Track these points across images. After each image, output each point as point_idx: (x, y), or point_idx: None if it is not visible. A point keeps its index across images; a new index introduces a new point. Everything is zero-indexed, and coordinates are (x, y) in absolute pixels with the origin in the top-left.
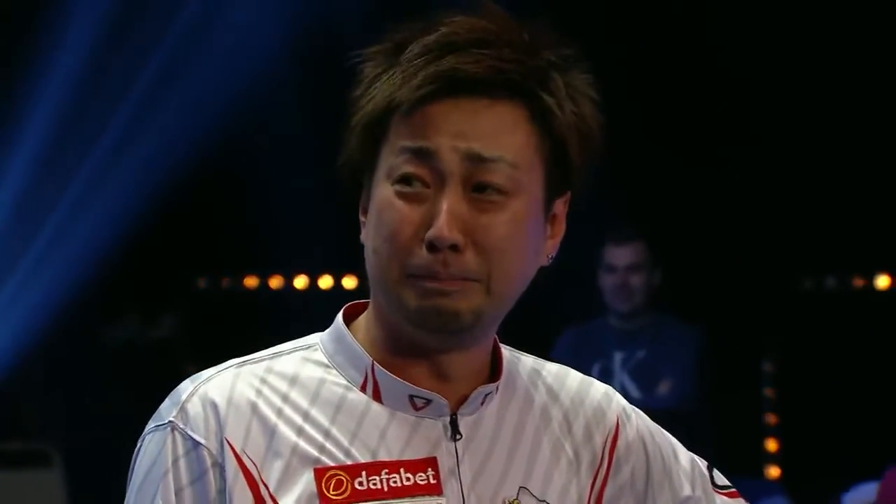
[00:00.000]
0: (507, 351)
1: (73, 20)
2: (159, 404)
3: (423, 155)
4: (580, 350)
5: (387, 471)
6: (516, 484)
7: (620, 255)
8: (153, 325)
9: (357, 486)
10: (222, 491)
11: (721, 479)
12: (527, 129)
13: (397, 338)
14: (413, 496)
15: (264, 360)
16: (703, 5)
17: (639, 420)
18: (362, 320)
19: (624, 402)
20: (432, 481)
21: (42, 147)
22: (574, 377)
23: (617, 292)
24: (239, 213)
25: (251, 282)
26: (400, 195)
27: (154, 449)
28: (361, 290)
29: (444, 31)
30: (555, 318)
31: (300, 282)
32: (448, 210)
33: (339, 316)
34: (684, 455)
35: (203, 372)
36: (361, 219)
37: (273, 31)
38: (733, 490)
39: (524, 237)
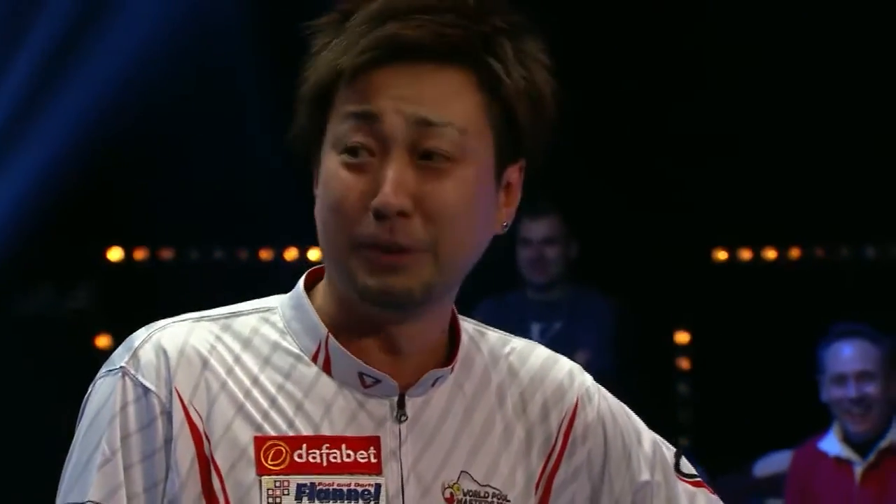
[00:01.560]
0: (470, 325)
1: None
2: (71, 377)
3: (366, 119)
4: (498, 322)
5: (328, 445)
6: (458, 468)
7: (535, 229)
8: (67, 297)
9: (296, 458)
10: (169, 440)
11: (687, 468)
12: (474, 95)
13: (349, 310)
14: (352, 473)
15: (222, 317)
16: None
17: (602, 401)
18: (321, 287)
19: (589, 382)
20: (373, 460)
21: None
22: (539, 354)
23: (533, 265)
24: (155, 182)
25: (167, 253)
26: (345, 165)
27: (104, 393)
28: (278, 263)
29: (387, 1)
30: (472, 289)
31: (218, 254)
32: (394, 177)
33: (301, 281)
34: (648, 439)
35: (160, 321)
36: (316, 192)
37: (181, 7)
38: (698, 479)
39: (474, 204)
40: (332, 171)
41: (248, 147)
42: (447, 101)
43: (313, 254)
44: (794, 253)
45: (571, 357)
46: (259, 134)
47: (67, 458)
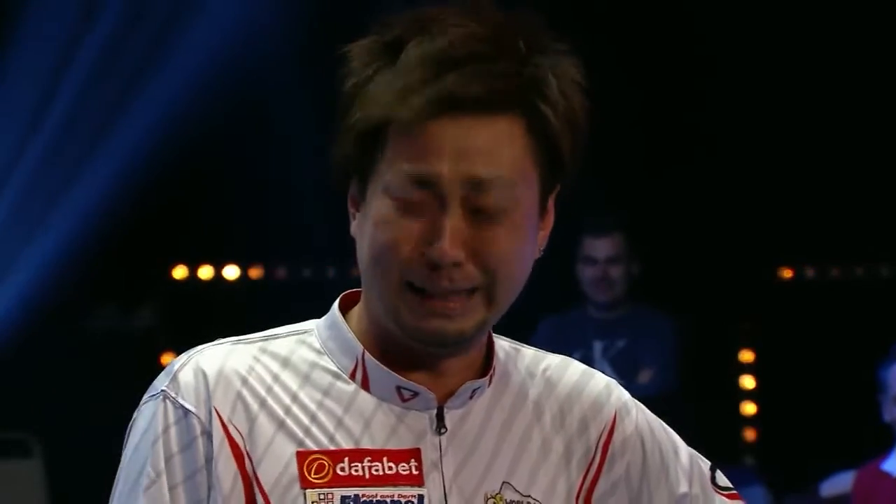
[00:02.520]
0: (506, 343)
1: (49, 3)
2: (138, 394)
3: (423, 181)
4: (559, 340)
5: (370, 458)
6: (500, 478)
7: (600, 248)
8: (133, 315)
9: (339, 471)
10: (210, 459)
11: (723, 481)
12: (524, 140)
13: (388, 336)
14: (395, 485)
15: (259, 340)
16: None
17: (639, 414)
18: (357, 310)
19: (626, 396)
20: (414, 472)
21: (19, 136)
22: (575, 369)
23: (597, 284)
24: (219, 202)
25: (231, 272)
26: (399, 210)
27: (146, 417)
28: (343, 281)
29: (442, 43)
30: (531, 308)
31: (281, 272)
32: (450, 229)
33: (336, 303)
34: (685, 453)
35: (199, 346)
36: (352, 210)
37: (255, 24)
38: (734, 492)
39: (523, 244)
40: (385, 215)
41: (311, 165)
42: (498, 152)
43: None
44: (859, 271)
45: (635, 375)
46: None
47: (115, 483)
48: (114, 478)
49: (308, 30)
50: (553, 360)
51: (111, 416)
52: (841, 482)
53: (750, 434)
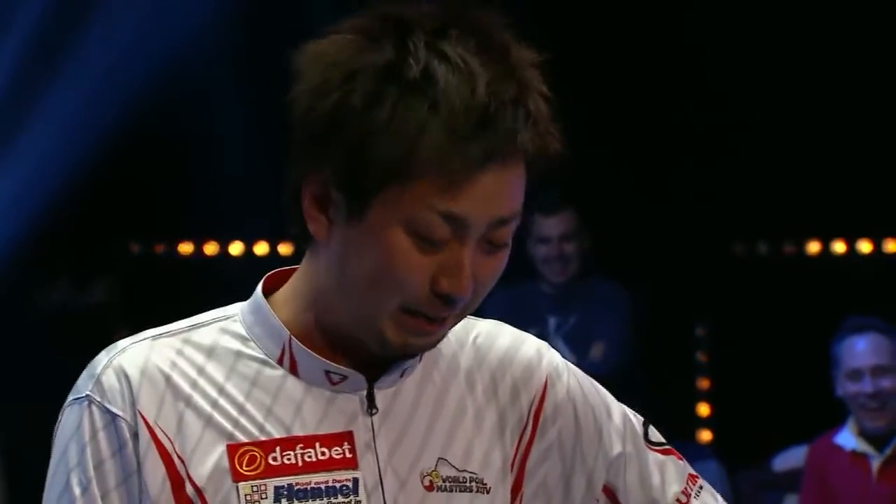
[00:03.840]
0: None
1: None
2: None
3: (454, 220)
4: (512, 314)
5: (301, 445)
6: (435, 455)
7: (552, 226)
8: (86, 290)
9: (271, 461)
10: (141, 463)
11: (656, 436)
12: (525, 172)
13: (318, 322)
14: (328, 470)
15: (182, 331)
16: None
17: (571, 378)
18: (285, 292)
19: (557, 359)
20: (348, 455)
21: None
22: (506, 335)
23: (552, 263)
24: (174, 177)
25: (186, 248)
26: (418, 248)
27: (73, 422)
28: (298, 257)
29: (481, 92)
30: None
31: (235, 248)
32: (469, 267)
33: (259, 287)
34: (618, 412)
35: (119, 342)
36: (312, 211)
37: None
38: (668, 447)
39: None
40: (401, 248)
41: (267, 141)
42: (518, 192)
43: None
44: (813, 247)
45: (589, 350)
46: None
47: (46, 490)
48: None
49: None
50: (483, 327)
51: (64, 391)
52: (793, 456)
53: (704, 409)
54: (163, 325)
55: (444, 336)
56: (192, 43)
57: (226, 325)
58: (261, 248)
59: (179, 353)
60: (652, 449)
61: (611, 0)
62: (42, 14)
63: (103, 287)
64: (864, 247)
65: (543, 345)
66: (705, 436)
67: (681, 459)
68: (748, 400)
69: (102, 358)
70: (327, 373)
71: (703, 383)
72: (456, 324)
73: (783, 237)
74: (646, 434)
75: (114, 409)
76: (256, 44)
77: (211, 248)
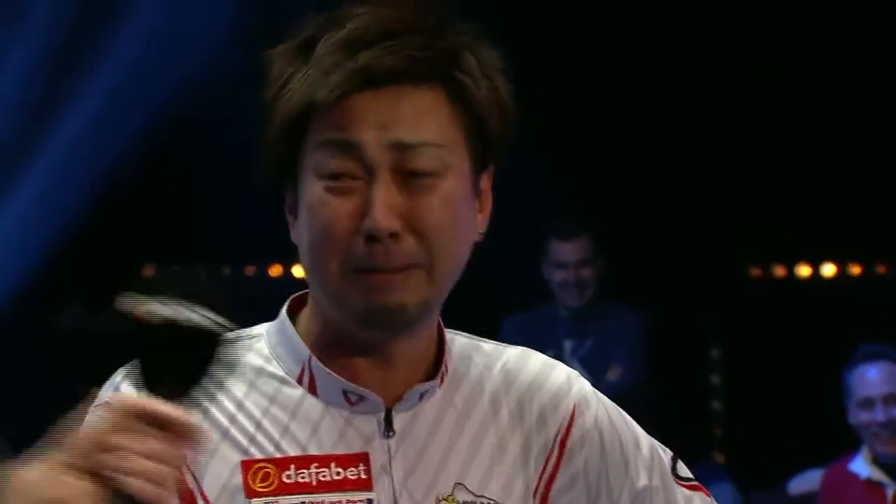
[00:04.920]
0: (464, 338)
1: (19, 14)
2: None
3: (348, 147)
4: (527, 339)
5: (316, 465)
6: (452, 479)
7: (569, 251)
8: (101, 314)
9: (285, 479)
10: None
11: (684, 471)
12: (447, 110)
13: (336, 333)
14: (343, 490)
15: None
16: None
17: (600, 407)
18: (305, 312)
19: (587, 388)
20: (363, 476)
21: None
22: (535, 361)
23: (569, 288)
24: (189, 200)
25: (200, 270)
26: (330, 190)
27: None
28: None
29: (352, 28)
30: (496, 306)
31: (250, 271)
32: (382, 199)
33: (284, 307)
34: (646, 444)
35: None
36: (290, 218)
37: (225, 19)
38: (696, 483)
39: (459, 215)
40: (317, 197)
41: None
42: (422, 120)
43: None
44: (829, 270)
45: (605, 373)
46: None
47: None
48: None
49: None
50: (513, 353)
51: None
52: (808, 480)
53: (717, 431)
54: None
55: (415, 300)
56: (207, 64)
57: (251, 343)
58: (275, 270)
59: None
60: (680, 484)
61: (628, 22)
62: (57, 35)
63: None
64: (880, 270)
65: (573, 373)
66: (719, 458)
67: (708, 496)
68: (762, 422)
69: (126, 367)
70: (345, 393)
71: (718, 406)
72: (428, 290)
73: (798, 260)
74: (674, 468)
75: None
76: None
77: (225, 271)
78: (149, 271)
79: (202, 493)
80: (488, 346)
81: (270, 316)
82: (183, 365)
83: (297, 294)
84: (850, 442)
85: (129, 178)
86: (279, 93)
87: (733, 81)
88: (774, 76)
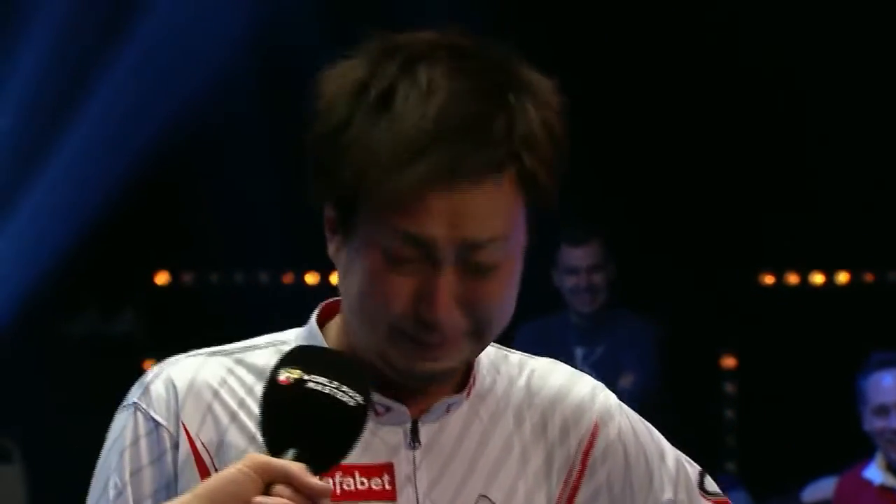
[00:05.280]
0: (492, 349)
1: (32, 19)
2: (118, 399)
3: (417, 242)
4: (540, 345)
5: (341, 473)
6: (476, 492)
7: (580, 257)
8: (113, 320)
9: None
10: (179, 473)
11: (712, 486)
12: (515, 195)
13: (365, 353)
14: (366, 500)
15: (237, 352)
16: None
17: (623, 420)
18: (336, 322)
19: (612, 400)
20: (387, 487)
21: (1, 143)
22: (561, 373)
23: (580, 293)
24: (201, 208)
25: (213, 277)
26: (391, 269)
27: (117, 428)
28: (324, 287)
29: (436, 109)
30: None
31: (263, 277)
32: (444, 291)
33: (314, 315)
34: (671, 458)
35: (174, 356)
36: (329, 233)
37: (234, 27)
38: (723, 499)
39: (514, 288)
40: (375, 268)
41: (293, 171)
42: (493, 214)
43: None
44: (842, 277)
45: (616, 380)
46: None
47: (90, 490)
48: (88, 486)
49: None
50: (538, 365)
51: (91, 421)
52: (823, 488)
53: (731, 440)
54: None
55: (460, 361)
56: (216, 75)
57: (279, 350)
58: (287, 278)
59: (231, 371)
60: (706, 499)
61: (627, 27)
62: (69, 38)
63: (130, 317)
64: (893, 277)
65: (599, 385)
66: (732, 466)
67: None
68: (775, 430)
69: (155, 368)
70: (373, 404)
71: (731, 414)
72: (474, 351)
73: (812, 267)
74: (701, 483)
75: (158, 418)
76: (279, 75)
77: (238, 278)
78: (161, 278)
79: None
80: (515, 356)
81: (281, 321)
82: (333, 437)
83: (327, 301)
84: (863, 449)
85: (141, 186)
86: (341, 133)
87: (749, 88)
88: (780, 77)
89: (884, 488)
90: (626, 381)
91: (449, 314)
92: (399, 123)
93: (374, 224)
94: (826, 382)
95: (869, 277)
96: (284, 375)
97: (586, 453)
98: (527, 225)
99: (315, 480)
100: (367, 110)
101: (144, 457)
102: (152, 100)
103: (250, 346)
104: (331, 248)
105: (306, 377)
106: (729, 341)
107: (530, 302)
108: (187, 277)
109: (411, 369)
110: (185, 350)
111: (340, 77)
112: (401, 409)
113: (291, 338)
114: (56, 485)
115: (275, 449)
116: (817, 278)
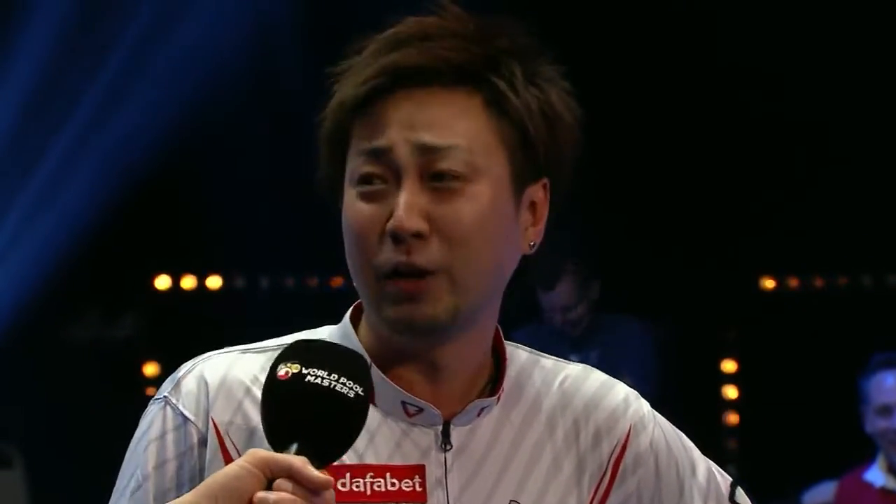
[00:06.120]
0: (525, 353)
1: (30, 20)
2: (118, 403)
3: (378, 153)
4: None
5: (372, 474)
6: (507, 496)
7: (554, 300)
8: (114, 325)
9: (339, 486)
10: (203, 469)
11: (743, 498)
12: (482, 114)
13: (386, 340)
14: (396, 502)
15: (269, 349)
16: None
17: (656, 429)
18: (363, 320)
19: (645, 409)
20: (418, 489)
21: None
22: (595, 379)
23: (564, 324)
24: (202, 212)
25: (213, 281)
26: (361, 196)
27: (147, 422)
28: (325, 291)
29: (390, 31)
30: (507, 318)
31: (264, 282)
32: (406, 199)
33: (348, 313)
34: (703, 469)
35: (208, 353)
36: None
37: (231, 32)
38: None
39: (489, 222)
40: (350, 204)
41: (294, 175)
42: (451, 123)
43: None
44: (842, 281)
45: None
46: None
47: (116, 482)
48: (93, 488)
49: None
50: (573, 371)
51: (92, 425)
52: (823, 492)
53: (732, 444)
54: (188, 359)
55: (443, 309)
56: (217, 80)
57: None
58: (289, 282)
59: (263, 369)
60: None
61: (627, 22)
62: (67, 47)
63: (131, 321)
64: (893, 281)
65: (632, 393)
66: (733, 470)
67: None
68: (775, 434)
69: (187, 364)
70: (404, 404)
71: (731, 418)
72: (454, 297)
73: (812, 272)
74: (732, 495)
75: (186, 413)
76: (282, 80)
77: (238, 282)
78: (161, 282)
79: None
80: (549, 361)
81: (280, 328)
82: (334, 430)
83: (360, 301)
84: (864, 453)
85: (142, 190)
86: (326, 103)
87: (745, 91)
88: (780, 80)
89: (885, 491)
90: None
91: (411, 219)
92: (357, 60)
93: (348, 168)
94: (826, 386)
95: (869, 281)
96: (283, 370)
97: (618, 461)
98: (517, 179)
99: (316, 473)
100: (342, 71)
101: (170, 450)
102: (153, 102)
103: (283, 345)
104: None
105: (305, 371)
106: (729, 345)
107: (523, 308)
108: (188, 282)
109: (397, 318)
110: (185, 354)
111: (337, 73)
112: (433, 411)
113: (324, 335)
114: (57, 490)
115: (277, 444)
116: (818, 282)
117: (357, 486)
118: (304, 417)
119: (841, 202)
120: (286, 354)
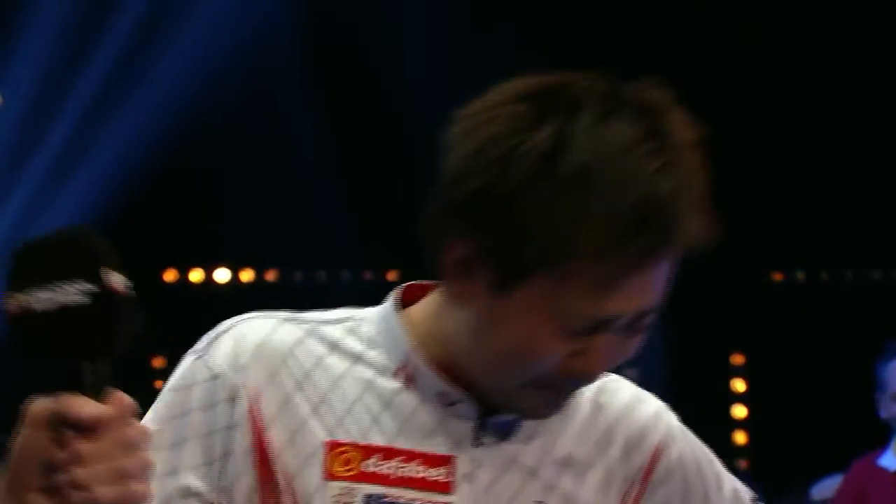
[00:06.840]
0: None
1: (31, 20)
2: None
3: (602, 323)
4: None
5: (401, 458)
6: (533, 499)
7: None
8: None
9: (365, 467)
10: (230, 427)
11: None
12: None
13: (448, 345)
14: (422, 489)
15: (311, 321)
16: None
17: (685, 446)
18: (418, 312)
19: (674, 423)
20: (445, 480)
21: (4, 140)
22: (626, 391)
23: None
24: (209, 206)
25: (221, 275)
26: (560, 336)
27: (179, 372)
28: (333, 285)
29: (641, 189)
30: None
31: (271, 275)
32: (605, 351)
33: (393, 295)
34: (728, 485)
35: (251, 313)
36: (455, 270)
37: (238, 27)
38: None
39: None
40: (540, 335)
41: (302, 170)
42: (665, 283)
43: (367, 275)
44: (850, 275)
45: (620, 375)
46: (313, 158)
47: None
48: None
49: (305, 25)
50: (605, 380)
51: None
52: (832, 485)
53: (740, 437)
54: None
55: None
56: (225, 75)
57: (353, 327)
58: (297, 276)
59: (302, 340)
60: None
61: (636, 20)
62: (69, 45)
63: (139, 315)
64: None
65: (662, 407)
66: (742, 464)
67: None
68: (784, 427)
69: (227, 322)
70: (443, 394)
71: (740, 411)
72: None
73: (820, 265)
74: None
75: (217, 370)
76: (280, 75)
77: (246, 276)
78: (169, 276)
79: (281, 462)
80: None
81: None
82: (94, 345)
83: (410, 284)
84: (873, 446)
85: (151, 184)
86: (518, 197)
87: (755, 81)
88: (791, 77)
89: None
90: (629, 376)
91: (601, 372)
92: (607, 201)
93: (552, 298)
94: (834, 379)
95: (877, 275)
96: (12, 305)
97: (647, 475)
98: None
99: (90, 408)
100: (563, 181)
101: (196, 401)
102: (159, 97)
103: (325, 320)
104: (455, 288)
105: (31, 301)
106: (738, 338)
107: None
108: (195, 275)
109: (533, 413)
110: (189, 347)
111: (500, 125)
112: (471, 404)
113: (366, 315)
114: None
115: (52, 388)
116: (825, 276)
117: (384, 469)
118: (59, 349)
119: (849, 197)
120: (10, 282)
